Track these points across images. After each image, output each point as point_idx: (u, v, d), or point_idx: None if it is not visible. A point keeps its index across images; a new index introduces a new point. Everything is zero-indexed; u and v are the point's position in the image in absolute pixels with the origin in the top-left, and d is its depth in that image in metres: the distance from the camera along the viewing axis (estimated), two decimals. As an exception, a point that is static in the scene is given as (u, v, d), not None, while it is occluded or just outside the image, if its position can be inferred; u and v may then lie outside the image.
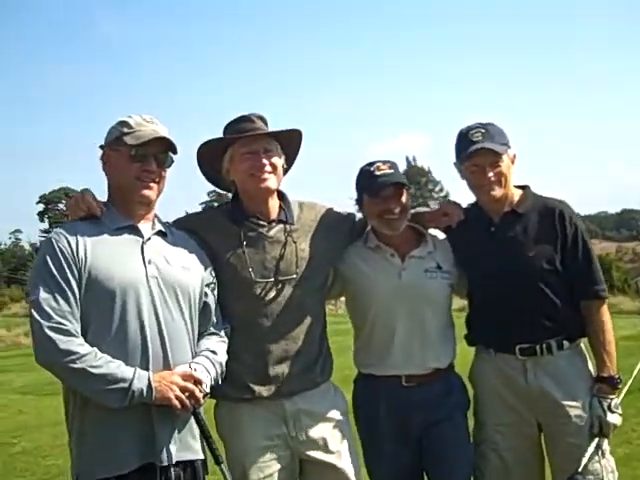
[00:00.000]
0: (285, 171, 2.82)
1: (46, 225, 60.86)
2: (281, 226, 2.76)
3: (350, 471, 2.73)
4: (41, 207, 65.77)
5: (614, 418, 2.78)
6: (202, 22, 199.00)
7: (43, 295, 2.21)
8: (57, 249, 2.28)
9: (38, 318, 2.20)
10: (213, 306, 2.59)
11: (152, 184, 2.46)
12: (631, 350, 2.73)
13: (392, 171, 2.84)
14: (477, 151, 2.80)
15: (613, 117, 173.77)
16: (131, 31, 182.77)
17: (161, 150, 2.47)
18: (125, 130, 2.43)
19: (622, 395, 2.86)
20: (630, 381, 2.92)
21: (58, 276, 2.24)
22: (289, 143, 2.80)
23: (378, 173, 2.81)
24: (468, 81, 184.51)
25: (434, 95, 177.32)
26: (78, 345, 2.20)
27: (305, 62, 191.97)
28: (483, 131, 2.83)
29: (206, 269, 2.58)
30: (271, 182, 2.70)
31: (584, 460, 2.73)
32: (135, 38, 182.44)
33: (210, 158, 2.77)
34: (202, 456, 2.43)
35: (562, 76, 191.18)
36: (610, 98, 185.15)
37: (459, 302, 3.19)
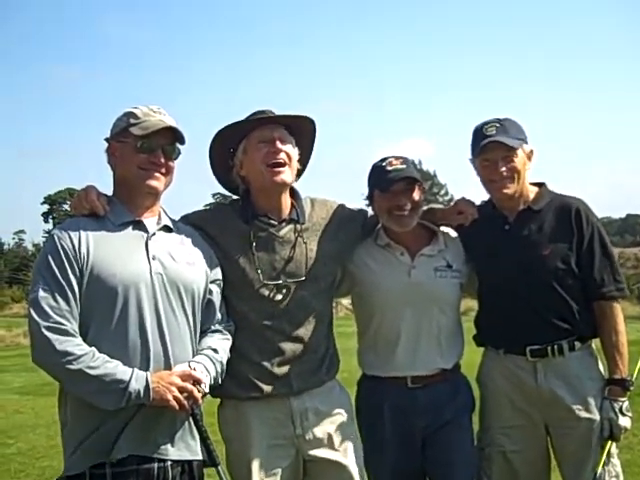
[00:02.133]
0: (299, 173, 2.78)
1: (50, 226, 60.80)
2: (291, 226, 2.71)
3: (354, 469, 2.68)
4: (46, 208, 65.81)
5: (625, 421, 2.73)
6: (202, 27, 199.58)
7: (42, 294, 2.18)
8: (59, 247, 2.24)
9: (36, 317, 2.16)
10: (217, 303, 2.55)
11: (158, 174, 2.41)
12: (632, 355, 2.67)
13: (404, 166, 2.79)
14: (489, 144, 2.74)
15: (621, 121, 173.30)
16: (137, 33, 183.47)
17: (168, 142, 2.43)
18: (132, 121, 2.39)
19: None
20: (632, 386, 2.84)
21: (59, 274, 2.20)
22: (302, 138, 2.74)
23: (390, 168, 2.77)
24: (472, 88, 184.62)
25: (438, 102, 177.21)
26: (75, 346, 2.16)
27: (305, 65, 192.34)
28: (498, 125, 2.78)
29: (211, 265, 2.54)
30: (286, 175, 2.62)
31: (599, 468, 2.69)
32: (142, 40, 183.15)
33: (222, 154, 2.71)
34: (201, 456, 2.38)
35: (569, 79, 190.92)
36: (616, 102, 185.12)
37: (463, 305, 3.12)
